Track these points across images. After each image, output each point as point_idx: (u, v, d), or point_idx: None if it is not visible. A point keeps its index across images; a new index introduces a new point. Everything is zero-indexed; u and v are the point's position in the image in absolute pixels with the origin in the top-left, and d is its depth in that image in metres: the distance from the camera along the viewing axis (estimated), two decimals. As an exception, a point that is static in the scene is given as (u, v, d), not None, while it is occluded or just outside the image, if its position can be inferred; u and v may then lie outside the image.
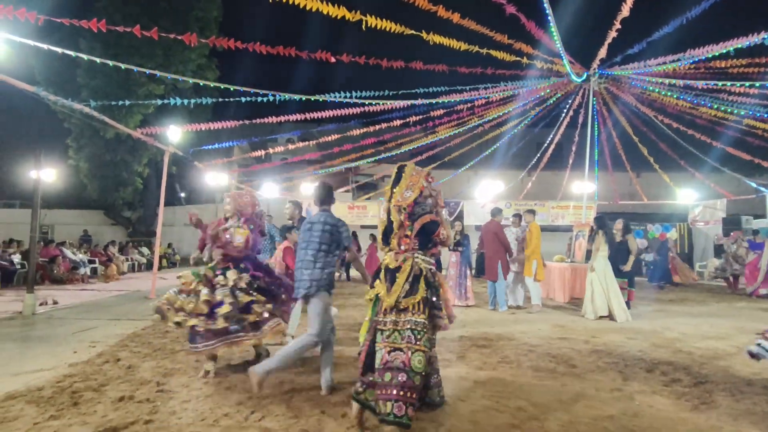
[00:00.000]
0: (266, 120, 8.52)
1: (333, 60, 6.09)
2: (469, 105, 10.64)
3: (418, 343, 2.67)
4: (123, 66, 6.04)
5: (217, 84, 7.24)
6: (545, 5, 5.94)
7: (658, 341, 5.31)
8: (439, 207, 3.06)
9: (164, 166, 9.15)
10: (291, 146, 11.10)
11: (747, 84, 8.44)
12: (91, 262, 13.56)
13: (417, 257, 2.88)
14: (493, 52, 7.50)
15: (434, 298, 2.84)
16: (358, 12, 5.31)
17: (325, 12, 5.18)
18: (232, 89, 6.61)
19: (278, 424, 2.79)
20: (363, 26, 5.49)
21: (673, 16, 6.88)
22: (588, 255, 9.30)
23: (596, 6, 10.31)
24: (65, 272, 11.74)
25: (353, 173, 18.81)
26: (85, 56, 5.64)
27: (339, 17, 5.21)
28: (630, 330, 5.99)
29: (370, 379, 2.75)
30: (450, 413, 3.04)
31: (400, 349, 2.66)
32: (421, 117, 10.66)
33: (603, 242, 6.99)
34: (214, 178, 12.64)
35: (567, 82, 10.56)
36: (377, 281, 2.95)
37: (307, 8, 5.10)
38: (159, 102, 9.55)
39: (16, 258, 11.34)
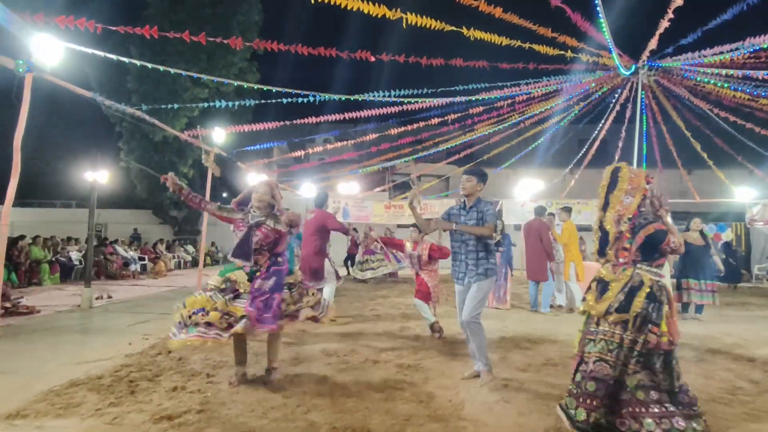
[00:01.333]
0: (305, 121, 8.65)
1: (372, 59, 6.11)
2: (509, 101, 10.44)
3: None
4: (172, 71, 6.27)
5: (259, 86, 7.40)
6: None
7: (716, 346, 5.02)
8: (663, 210, 2.78)
9: (210, 169, 9.47)
10: (329, 146, 11.22)
11: (815, 72, 7.83)
12: (141, 259, 14.24)
13: (640, 268, 2.68)
14: (536, 47, 7.31)
15: (654, 314, 2.61)
16: (398, 10, 5.30)
17: (365, 11, 5.20)
18: (273, 91, 6.74)
19: (323, 418, 2.83)
20: (404, 24, 5.48)
21: (732, 3, 6.46)
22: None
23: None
24: (118, 269, 12.37)
25: (390, 173, 18.84)
26: (137, 62, 5.91)
27: (379, 16, 5.22)
28: (684, 334, 5.67)
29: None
30: (496, 415, 2.99)
31: (606, 361, 2.59)
32: (459, 115, 10.53)
33: None
34: (255, 178, 12.97)
35: (614, 76, 10.14)
36: (588, 292, 2.83)
37: (348, 7, 5.14)
38: (204, 105, 9.82)
39: (75, 255, 12.05)
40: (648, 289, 2.62)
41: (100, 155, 9.44)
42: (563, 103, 11.33)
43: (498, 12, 5.73)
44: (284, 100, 7.36)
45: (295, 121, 8.75)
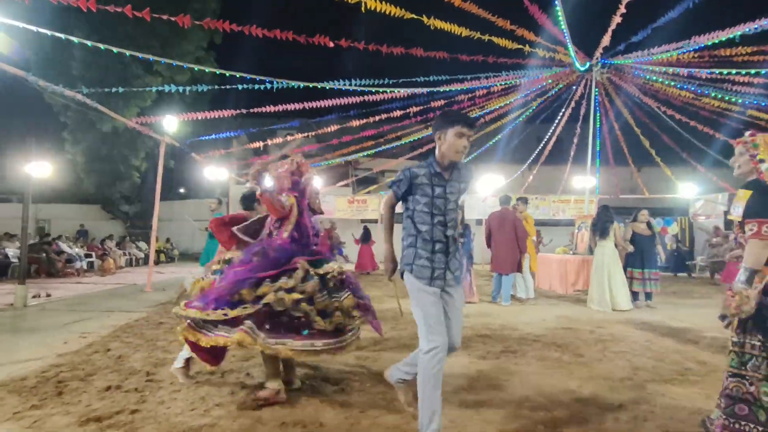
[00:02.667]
0: (264, 109, 8.34)
1: (331, 45, 5.93)
2: (469, 95, 10.49)
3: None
4: (115, 50, 5.85)
5: (212, 69, 7.07)
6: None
7: (665, 331, 5.18)
8: None
9: (160, 157, 8.99)
10: (289, 138, 10.90)
11: (752, 72, 8.27)
12: (87, 256, 13.42)
13: None
14: (495, 39, 7.34)
15: None
16: (358, -7, 5.15)
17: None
18: (227, 75, 6.44)
19: (272, 414, 2.65)
20: (363, 8, 5.34)
21: (680, 1, 6.71)
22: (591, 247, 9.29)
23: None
24: (62, 266, 11.59)
25: (353, 167, 18.64)
26: (75, 39, 5.46)
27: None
28: (636, 320, 5.86)
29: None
30: (454, 403, 2.91)
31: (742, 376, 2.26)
32: (421, 108, 10.49)
33: (613, 234, 6.95)
34: (212, 172, 12.43)
35: (569, 72, 10.39)
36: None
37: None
38: (154, 89, 9.15)
39: (11, 251, 11.19)
40: None
41: (39, 146, 8.76)
42: (521, 99, 11.51)
43: (457, 1, 5.67)
44: (240, 86, 7.08)
45: (253, 110, 8.44)
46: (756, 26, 6.30)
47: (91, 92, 6.96)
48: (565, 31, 7.21)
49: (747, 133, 2.38)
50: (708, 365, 3.80)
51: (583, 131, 12.38)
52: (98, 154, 17.80)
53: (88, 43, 5.53)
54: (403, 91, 8.82)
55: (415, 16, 5.85)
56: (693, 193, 17.01)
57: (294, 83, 7.04)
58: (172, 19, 4.77)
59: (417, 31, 6.68)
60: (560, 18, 6.79)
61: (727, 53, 8.19)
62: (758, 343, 2.20)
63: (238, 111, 8.15)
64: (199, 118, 8.77)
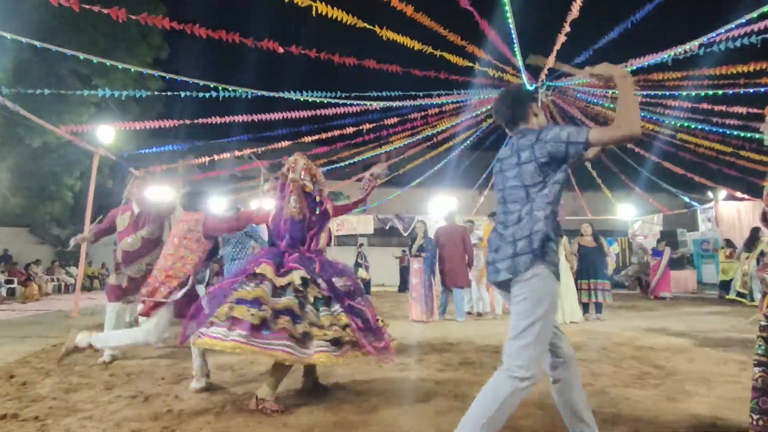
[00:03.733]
0: (210, 120, 7.93)
1: (281, 50, 5.72)
2: (422, 113, 10.56)
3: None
4: (53, 48, 5.33)
5: (149, 71, 6.63)
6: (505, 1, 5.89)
7: (620, 340, 5.19)
8: None
9: (92, 171, 8.28)
10: (237, 153, 10.42)
11: (683, 94, 8.84)
12: (8, 282, 12.13)
13: None
14: (447, 55, 7.42)
15: None
16: (309, -4, 5.01)
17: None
18: (167, 78, 6.05)
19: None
20: (313, 12, 5.19)
21: (618, 22, 7.08)
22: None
23: (545, 12, 10.55)
24: (-25, 293, 10.37)
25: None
26: (8, 35, 4.92)
27: (287, 0, 4.88)
28: (589, 331, 5.88)
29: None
30: (412, 415, 2.65)
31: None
32: (374, 125, 10.42)
33: (563, 248, 7.08)
34: (155, 191, 11.50)
35: (517, 94, 10.71)
36: None
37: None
38: (83, 92, 8.35)
39: None
40: None
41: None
42: (471, 119, 11.73)
43: (410, 11, 5.66)
44: (182, 93, 6.68)
45: (196, 121, 8.00)
46: (685, 50, 6.75)
47: (12, 92, 6.30)
48: (516, 49, 7.40)
49: None
50: (665, 369, 3.77)
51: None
52: (26, 171, 16.37)
53: (22, 40, 5.00)
54: (355, 107, 8.70)
55: (368, 26, 5.78)
56: (631, 214, 18.00)
57: (241, 90, 6.73)
58: (105, 11, 4.39)
59: (370, 42, 6.63)
60: (513, 37, 6.95)
61: (659, 77, 8.73)
62: None
63: (181, 121, 7.68)
64: (138, 128, 8.23)
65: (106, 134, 8.00)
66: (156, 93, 7.84)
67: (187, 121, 7.70)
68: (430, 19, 6.06)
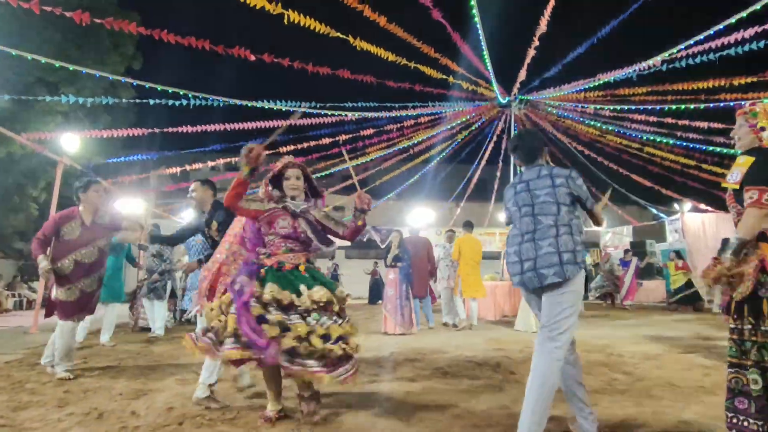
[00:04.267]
0: (182, 129, 7.77)
1: (252, 58, 5.67)
2: (398, 125, 10.62)
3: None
4: (14, 52, 5.14)
5: (115, 77, 6.46)
6: (474, 13, 5.99)
7: (589, 347, 5.23)
8: None
9: (56, 181, 7.97)
10: (210, 163, 10.22)
11: (648, 108, 9.14)
12: (-37, 298, 11.52)
13: None
14: (421, 67, 7.50)
15: None
16: (280, 4, 4.99)
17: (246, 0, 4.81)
18: (134, 84, 5.92)
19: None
20: (285, 21, 5.18)
21: (587, 37, 7.31)
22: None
23: (516, 26, 10.75)
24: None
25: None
26: None
27: (258, 7, 4.85)
28: (561, 340, 5.91)
29: None
30: (383, 426, 2.58)
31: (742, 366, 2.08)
32: (350, 136, 10.42)
33: None
34: (125, 203, 11.05)
35: (491, 107, 10.91)
36: None
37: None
38: (47, 98, 7.99)
39: None
40: None
41: None
42: (447, 131, 11.86)
43: (383, 21, 5.70)
44: (151, 100, 6.54)
45: (168, 130, 7.84)
46: (649, 66, 6.99)
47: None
48: (487, 62, 7.54)
49: (747, 103, 2.29)
50: (633, 375, 3.81)
51: (506, 165, 13.01)
52: (-13, 182, 15.73)
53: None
54: (332, 118, 8.69)
55: (341, 35, 5.80)
56: (602, 226, 18.41)
57: (212, 98, 6.62)
58: (67, 14, 4.26)
59: (345, 53, 6.65)
60: (484, 52, 7.08)
61: (625, 92, 9.03)
62: (749, 327, 2.04)
63: (150, 130, 7.51)
64: (107, 138, 8.02)
65: (71, 142, 7.72)
66: (125, 100, 7.57)
67: (156, 130, 7.53)
68: (403, 30, 6.12)
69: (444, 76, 8.27)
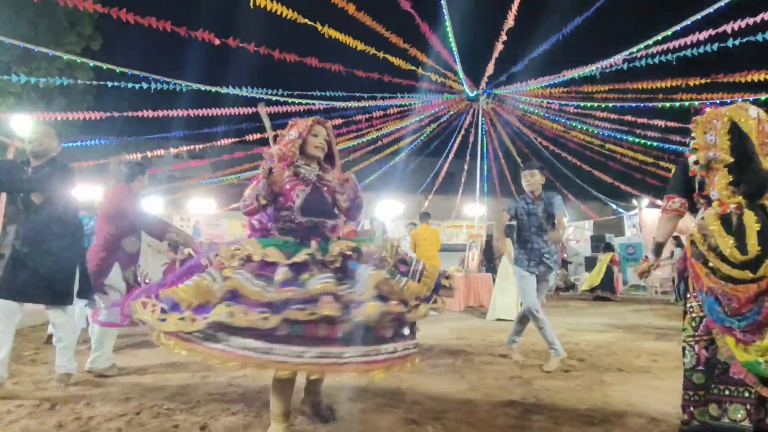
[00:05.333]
0: (143, 114, 7.49)
1: (217, 42, 5.52)
2: (367, 116, 10.58)
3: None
4: None
5: (74, 57, 6.12)
6: (442, 4, 6.02)
7: (548, 336, 5.42)
8: None
9: (6, 164, 7.55)
10: (173, 150, 9.91)
11: (610, 105, 9.46)
12: None
13: None
14: (390, 57, 7.49)
15: None
16: (247, -13, 4.87)
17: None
18: (92, 65, 5.65)
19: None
20: (251, 4, 5.06)
21: (554, 33, 7.47)
22: (482, 264, 9.89)
23: (485, 20, 10.85)
24: None
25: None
26: None
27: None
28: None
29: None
30: (339, 415, 2.60)
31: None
32: (319, 125, 10.29)
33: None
34: (83, 191, 10.57)
35: (459, 100, 11.01)
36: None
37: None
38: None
39: None
40: None
41: None
42: (416, 123, 11.91)
43: (351, 8, 5.65)
44: (109, 83, 6.27)
45: (128, 114, 7.54)
46: (610, 64, 7.24)
47: None
48: (455, 55, 7.60)
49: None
50: (587, 362, 3.99)
51: (473, 158, 13.20)
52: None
53: None
54: (299, 104, 8.57)
55: (309, 22, 5.71)
56: (565, 220, 18.96)
57: (174, 82, 6.41)
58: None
59: (313, 41, 6.56)
60: (451, 42, 7.14)
61: (589, 89, 9.30)
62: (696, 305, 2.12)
63: (108, 114, 7.20)
64: (62, 120, 7.64)
65: (22, 124, 7.30)
66: (80, 82, 7.22)
67: (116, 114, 7.23)
68: (372, 19, 6.08)
69: (413, 68, 8.30)
